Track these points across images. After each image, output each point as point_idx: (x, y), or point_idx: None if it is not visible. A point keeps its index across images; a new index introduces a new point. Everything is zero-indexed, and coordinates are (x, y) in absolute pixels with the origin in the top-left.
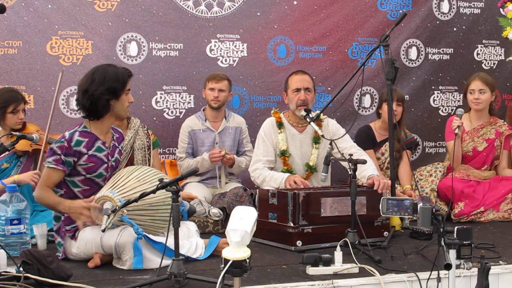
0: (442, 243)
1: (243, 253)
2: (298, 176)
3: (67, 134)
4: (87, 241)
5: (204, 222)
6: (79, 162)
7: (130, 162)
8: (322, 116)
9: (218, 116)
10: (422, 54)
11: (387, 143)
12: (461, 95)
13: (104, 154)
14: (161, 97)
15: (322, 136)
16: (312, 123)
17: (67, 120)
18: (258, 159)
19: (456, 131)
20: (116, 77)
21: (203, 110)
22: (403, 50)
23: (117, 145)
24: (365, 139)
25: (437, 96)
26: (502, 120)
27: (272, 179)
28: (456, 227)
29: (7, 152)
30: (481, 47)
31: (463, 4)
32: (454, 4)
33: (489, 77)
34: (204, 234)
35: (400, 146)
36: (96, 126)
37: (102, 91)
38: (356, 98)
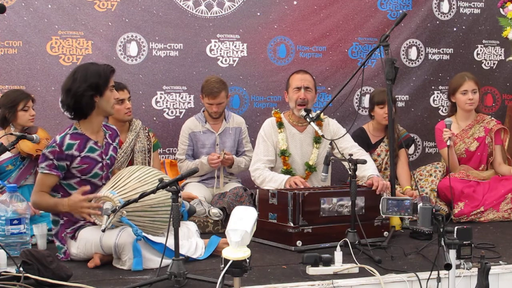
0: (442, 243)
1: (243, 253)
2: (298, 177)
3: (58, 138)
4: (86, 241)
5: (204, 222)
6: (73, 165)
7: (130, 165)
8: (322, 116)
9: (218, 118)
10: (422, 54)
11: (382, 144)
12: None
13: (98, 154)
14: (161, 97)
15: (322, 136)
16: (312, 123)
17: (67, 120)
18: (259, 158)
19: (448, 142)
20: (98, 73)
21: (203, 111)
22: (403, 50)
23: (110, 142)
24: (360, 142)
25: (437, 96)
26: (489, 116)
27: (272, 180)
28: (456, 227)
29: (12, 155)
30: (481, 47)
31: (463, 4)
32: (454, 4)
33: (474, 76)
34: (204, 234)
35: (396, 145)
36: (86, 126)
37: (85, 87)
38: (356, 98)
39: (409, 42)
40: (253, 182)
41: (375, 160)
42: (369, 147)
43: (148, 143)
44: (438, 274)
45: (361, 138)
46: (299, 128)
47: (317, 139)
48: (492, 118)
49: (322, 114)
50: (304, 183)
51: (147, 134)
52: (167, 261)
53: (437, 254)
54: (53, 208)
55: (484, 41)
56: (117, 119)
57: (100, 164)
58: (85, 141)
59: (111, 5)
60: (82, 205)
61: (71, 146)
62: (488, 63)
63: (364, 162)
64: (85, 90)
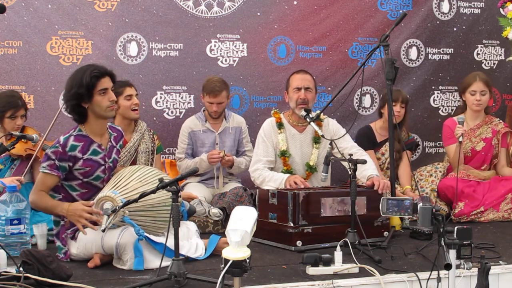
0: (442, 243)
1: (243, 253)
2: (298, 177)
3: (61, 139)
4: (87, 242)
5: (204, 222)
6: (75, 167)
7: (133, 165)
8: (322, 116)
9: (218, 117)
10: (422, 54)
11: (387, 144)
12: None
13: (101, 157)
14: (161, 97)
15: (322, 136)
16: (312, 123)
17: (68, 120)
18: (259, 159)
19: (460, 139)
20: (80, 83)
21: (203, 110)
22: (403, 50)
23: (114, 144)
24: (365, 140)
25: (437, 96)
26: (498, 119)
27: (272, 180)
28: (456, 227)
29: (3, 154)
30: (481, 47)
31: (463, 4)
32: (454, 4)
33: (487, 77)
34: (204, 234)
35: (400, 146)
36: (89, 128)
37: (68, 97)
38: (356, 98)
39: (409, 42)
40: (253, 182)
41: (378, 159)
42: (374, 145)
43: (152, 145)
44: (438, 274)
45: (367, 136)
46: (299, 128)
47: (317, 139)
48: (501, 121)
49: (322, 114)
50: (303, 182)
51: (151, 136)
52: (167, 261)
53: (437, 254)
54: (51, 210)
55: (484, 41)
56: (123, 116)
57: (103, 167)
58: (89, 144)
59: (111, 5)
60: (81, 214)
61: (74, 147)
62: (488, 63)
63: (364, 162)
64: (69, 100)
